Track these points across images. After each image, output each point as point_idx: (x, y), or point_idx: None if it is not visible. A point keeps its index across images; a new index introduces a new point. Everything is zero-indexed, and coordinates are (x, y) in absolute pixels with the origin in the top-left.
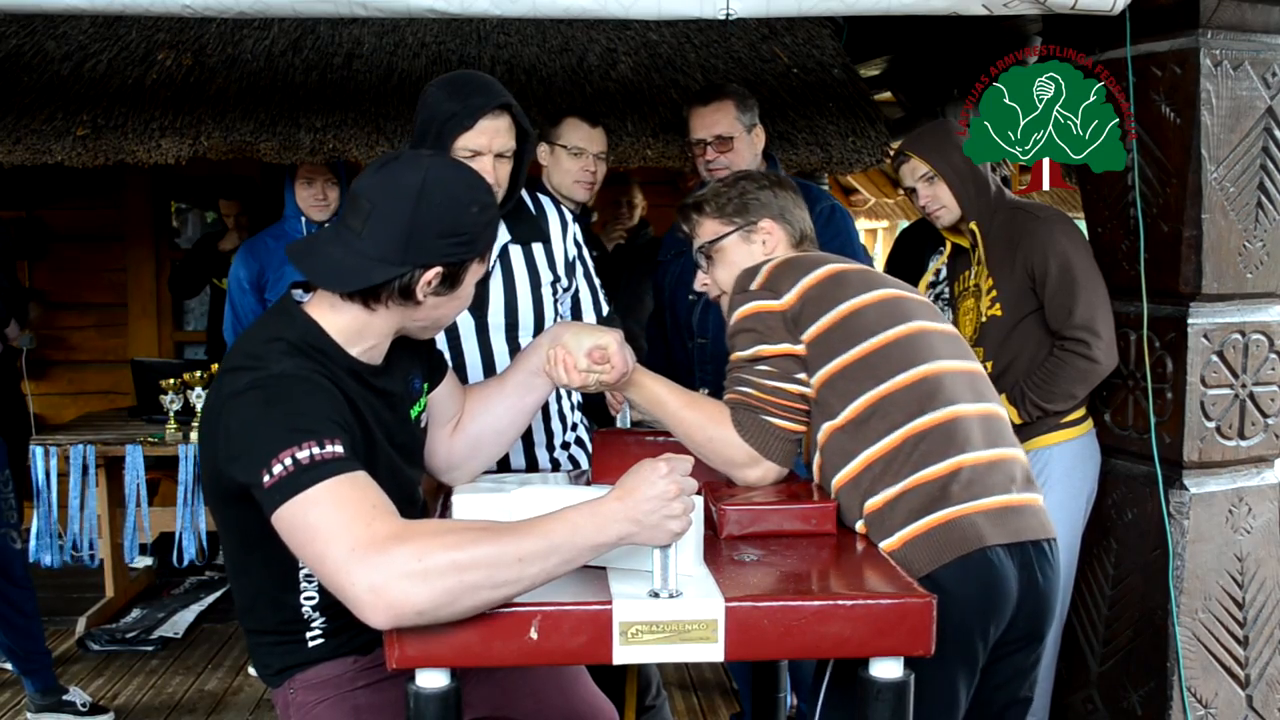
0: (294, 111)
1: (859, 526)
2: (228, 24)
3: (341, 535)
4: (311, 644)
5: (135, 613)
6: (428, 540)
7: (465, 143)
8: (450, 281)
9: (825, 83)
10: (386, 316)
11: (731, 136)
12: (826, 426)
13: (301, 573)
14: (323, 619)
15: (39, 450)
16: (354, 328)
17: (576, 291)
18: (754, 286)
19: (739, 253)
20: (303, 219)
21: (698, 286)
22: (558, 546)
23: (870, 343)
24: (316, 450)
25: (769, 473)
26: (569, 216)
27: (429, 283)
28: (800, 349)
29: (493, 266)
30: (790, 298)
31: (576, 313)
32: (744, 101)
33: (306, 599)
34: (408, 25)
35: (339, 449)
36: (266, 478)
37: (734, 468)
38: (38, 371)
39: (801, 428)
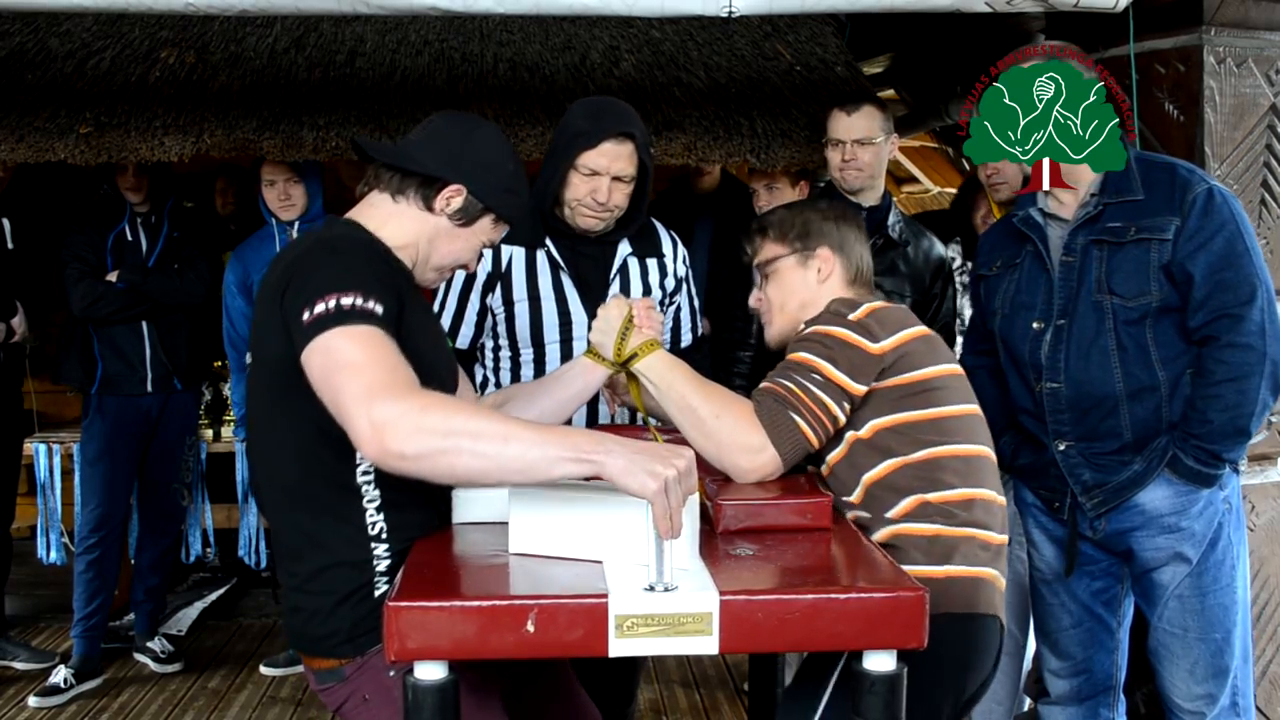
0: (297, 109)
1: (882, 533)
2: (231, 21)
3: (364, 373)
4: (379, 590)
5: None
6: (434, 400)
7: (586, 160)
8: (466, 214)
9: (828, 80)
10: (408, 219)
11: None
12: (881, 467)
13: (358, 470)
14: (386, 528)
15: (41, 447)
16: (382, 221)
17: (679, 309)
18: (852, 317)
19: (794, 276)
20: (274, 220)
21: (751, 302)
22: (546, 440)
23: (946, 409)
24: (360, 301)
25: (768, 465)
26: (677, 239)
27: (449, 199)
28: (861, 390)
29: (613, 276)
30: (887, 345)
31: (676, 328)
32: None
33: (369, 500)
34: (411, 23)
35: (380, 310)
36: (307, 315)
37: (737, 452)
38: (39, 368)
39: (817, 443)
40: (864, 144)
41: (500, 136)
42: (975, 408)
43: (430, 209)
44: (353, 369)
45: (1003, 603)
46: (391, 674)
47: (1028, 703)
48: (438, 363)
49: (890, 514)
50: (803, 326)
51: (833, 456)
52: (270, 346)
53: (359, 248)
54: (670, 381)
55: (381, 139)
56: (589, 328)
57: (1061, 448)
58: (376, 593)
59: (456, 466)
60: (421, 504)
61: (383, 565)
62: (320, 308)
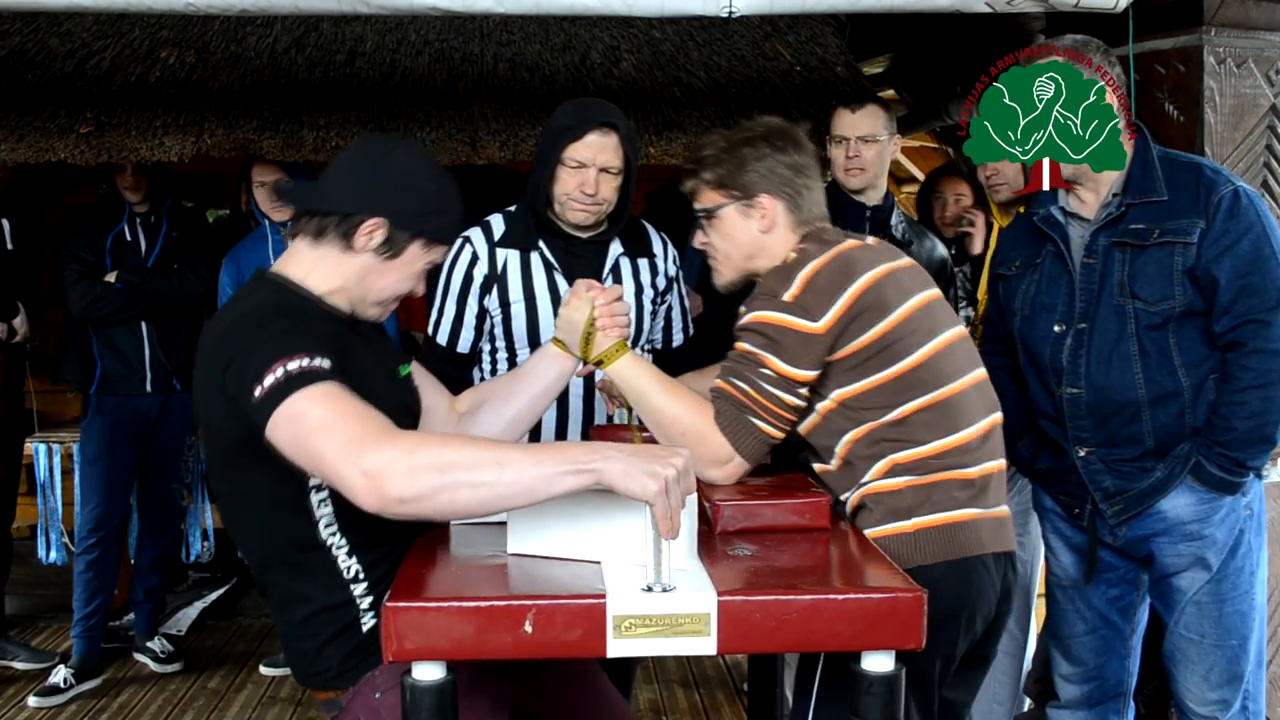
0: (297, 109)
1: (854, 497)
2: (231, 21)
3: (339, 430)
4: (366, 625)
5: None
6: (420, 439)
7: (573, 152)
8: (392, 246)
9: (828, 80)
10: (330, 263)
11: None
12: (853, 433)
13: (321, 524)
14: (361, 568)
15: (41, 447)
16: (307, 270)
17: (670, 309)
18: (787, 297)
19: (735, 226)
20: (266, 221)
21: (696, 244)
22: (541, 459)
23: (910, 360)
24: (306, 362)
25: (737, 471)
26: (666, 240)
27: (369, 233)
28: (812, 375)
29: (606, 276)
30: (828, 321)
31: (668, 328)
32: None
33: (338, 549)
34: (410, 23)
35: (326, 365)
36: (258, 391)
37: (705, 465)
38: (39, 368)
39: (782, 435)
40: (868, 141)
41: (418, 155)
42: (944, 337)
43: (351, 248)
44: (325, 428)
45: (1000, 535)
46: (377, 696)
47: (1028, 703)
48: (394, 399)
49: (865, 479)
50: (742, 309)
51: (804, 427)
52: (215, 420)
53: (279, 313)
54: (639, 391)
55: None
56: None
57: (1082, 454)
58: (365, 629)
59: (456, 500)
60: (392, 540)
61: (365, 603)
62: (269, 380)
